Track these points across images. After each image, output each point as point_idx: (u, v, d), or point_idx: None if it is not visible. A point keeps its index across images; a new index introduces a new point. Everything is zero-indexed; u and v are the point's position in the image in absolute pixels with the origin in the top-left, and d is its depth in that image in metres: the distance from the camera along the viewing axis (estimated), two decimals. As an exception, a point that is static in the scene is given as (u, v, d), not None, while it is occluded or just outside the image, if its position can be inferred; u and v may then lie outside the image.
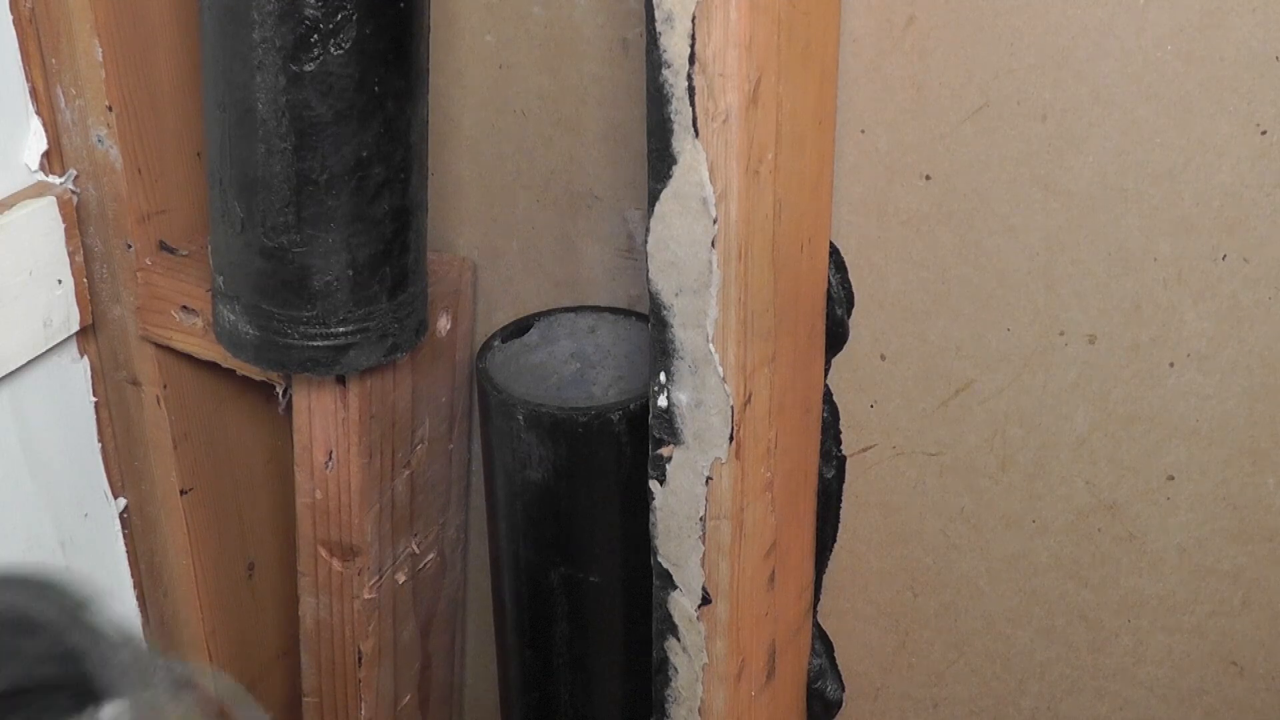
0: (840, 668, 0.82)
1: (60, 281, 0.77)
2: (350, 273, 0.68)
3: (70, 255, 0.77)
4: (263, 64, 0.63)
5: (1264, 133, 0.61)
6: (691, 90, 0.58)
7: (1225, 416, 0.67)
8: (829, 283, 0.72)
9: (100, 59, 0.73)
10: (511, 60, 0.77)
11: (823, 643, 0.82)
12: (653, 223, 0.62)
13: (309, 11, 0.62)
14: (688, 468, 0.66)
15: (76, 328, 0.79)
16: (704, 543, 0.67)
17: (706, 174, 0.60)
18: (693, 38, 0.57)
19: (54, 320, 0.77)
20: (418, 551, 0.85)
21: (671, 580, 0.69)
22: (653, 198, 0.62)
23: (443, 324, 0.81)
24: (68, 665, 0.47)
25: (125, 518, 0.86)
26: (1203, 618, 0.71)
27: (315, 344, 0.70)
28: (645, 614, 0.73)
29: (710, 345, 0.63)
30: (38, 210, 0.75)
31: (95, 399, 0.83)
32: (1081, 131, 0.64)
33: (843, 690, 0.83)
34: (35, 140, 0.76)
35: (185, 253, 0.79)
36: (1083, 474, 0.71)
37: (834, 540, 0.79)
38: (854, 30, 0.67)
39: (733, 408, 0.64)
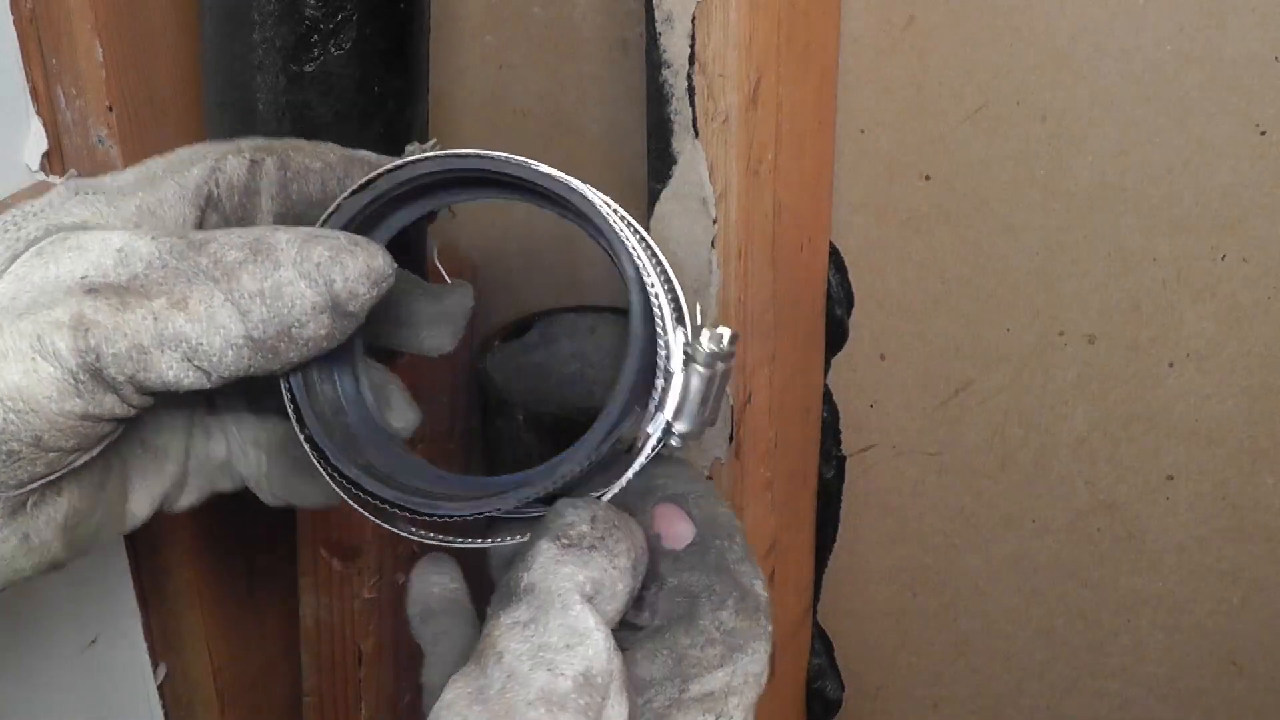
0: (840, 667, 0.82)
1: (60, 281, 0.77)
2: (350, 273, 0.68)
3: (70, 255, 0.77)
4: (263, 64, 0.63)
5: (1264, 133, 0.61)
6: (691, 90, 0.59)
7: (1225, 416, 0.67)
8: (829, 283, 0.72)
9: (100, 59, 0.73)
10: (511, 60, 0.77)
11: (823, 642, 0.82)
12: (653, 223, 0.62)
13: (309, 12, 0.62)
14: (688, 468, 0.66)
15: (77, 328, 0.79)
16: (704, 543, 0.67)
17: (706, 174, 0.60)
18: (693, 38, 0.58)
19: (54, 320, 0.77)
20: (418, 551, 0.85)
21: (671, 580, 0.69)
22: (653, 198, 0.62)
23: (443, 324, 0.80)
24: None
25: (125, 517, 0.86)
26: (1202, 617, 0.71)
27: (315, 344, 0.70)
28: (645, 614, 0.73)
29: (710, 345, 0.63)
30: (38, 210, 0.75)
31: (95, 399, 0.83)
32: (1081, 131, 0.64)
33: (842, 690, 0.83)
34: (36, 140, 0.76)
35: (185, 253, 0.79)
36: (1083, 474, 0.71)
37: (834, 540, 0.79)
38: (854, 30, 0.67)
39: (732, 407, 0.64)
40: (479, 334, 0.85)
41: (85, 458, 0.43)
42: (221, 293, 0.41)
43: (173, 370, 0.41)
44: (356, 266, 0.42)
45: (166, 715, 0.90)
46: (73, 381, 0.40)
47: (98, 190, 0.45)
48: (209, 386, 0.42)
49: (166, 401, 0.47)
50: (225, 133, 0.67)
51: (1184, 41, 0.61)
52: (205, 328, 0.41)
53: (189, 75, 0.77)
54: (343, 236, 0.43)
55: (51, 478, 0.43)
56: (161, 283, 0.41)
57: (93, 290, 0.41)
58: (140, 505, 0.49)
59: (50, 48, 0.74)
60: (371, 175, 0.46)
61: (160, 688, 0.90)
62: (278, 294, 0.41)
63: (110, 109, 0.74)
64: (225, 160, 0.46)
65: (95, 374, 0.41)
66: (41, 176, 0.77)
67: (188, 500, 0.52)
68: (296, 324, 0.41)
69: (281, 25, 0.62)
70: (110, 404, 0.42)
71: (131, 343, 0.40)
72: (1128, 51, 0.62)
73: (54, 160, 0.77)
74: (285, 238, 0.42)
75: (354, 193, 0.46)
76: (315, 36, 0.63)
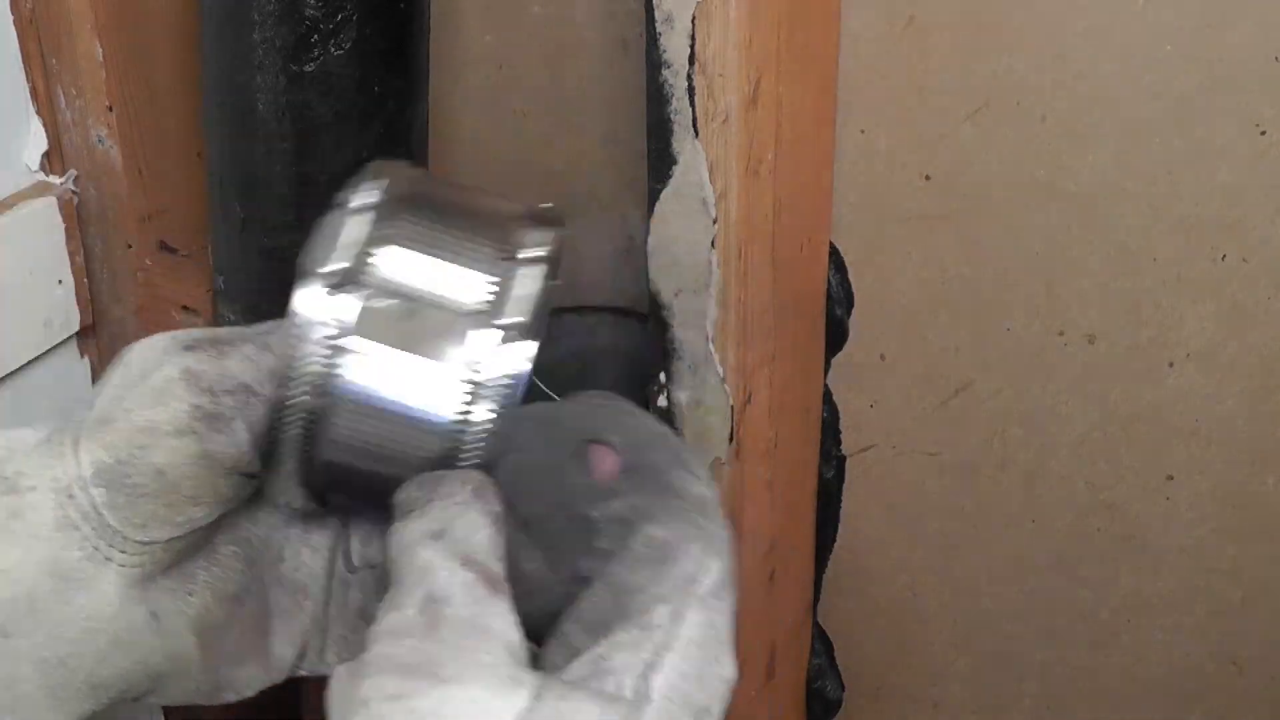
0: (840, 667, 0.82)
1: (60, 282, 0.77)
2: (350, 273, 0.68)
3: (70, 255, 0.77)
4: (263, 64, 0.63)
5: (1264, 133, 0.61)
6: (691, 90, 0.59)
7: (1225, 416, 0.67)
8: (829, 283, 0.72)
9: (100, 59, 0.73)
10: (511, 60, 0.77)
11: (823, 643, 0.82)
12: (653, 223, 0.62)
13: (309, 12, 0.62)
14: (688, 468, 0.66)
15: (77, 328, 0.79)
16: (704, 543, 0.67)
17: (706, 174, 0.60)
18: (693, 38, 0.58)
19: (54, 321, 0.77)
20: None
21: (671, 580, 0.69)
22: (653, 198, 0.62)
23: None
24: None
25: (125, 518, 0.86)
26: (1203, 617, 0.71)
27: (315, 344, 0.70)
28: (645, 614, 0.73)
29: (710, 345, 0.63)
30: (38, 210, 0.75)
31: (95, 399, 0.83)
32: (1081, 131, 0.64)
33: (843, 690, 0.83)
34: (36, 140, 0.76)
35: (185, 253, 0.79)
36: (1083, 474, 0.71)
37: (834, 540, 0.79)
38: (854, 30, 0.67)
39: (732, 408, 0.64)
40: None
41: (204, 516, 0.46)
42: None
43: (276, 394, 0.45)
44: None
45: (167, 715, 0.90)
46: (188, 420, 0.44)
47: None
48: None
49: (305, 541, 0.52)
50: (225, 133, 0.67)
51: (1184, 41, 0.61)
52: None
53: (189, 75, 0.77)
54: None
55: (177, 533, 0.46)
56: (248, 334, 0.46)
57: (190, 347, 0.46)
58: (284, 646, 0.52)
59: (50, 48, 0.74)
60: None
61: (160, 688, 0.90)
62: None
63: (110, 109, 0.74)
64: None
65: (209, 416, 0.45)
66: (41, 176, 0.77)
67: (334, 652, 0.54)
68: None
69: (281, 25, 0.62)
70: (222, 443, 0.45)
71: (237, 381, 0.45)
72: (1128, 51, 0.62)
73: (54, 160, 0.77)
74: None
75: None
76: (315, 36, 0.63)
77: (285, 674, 0.52)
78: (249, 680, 0.51)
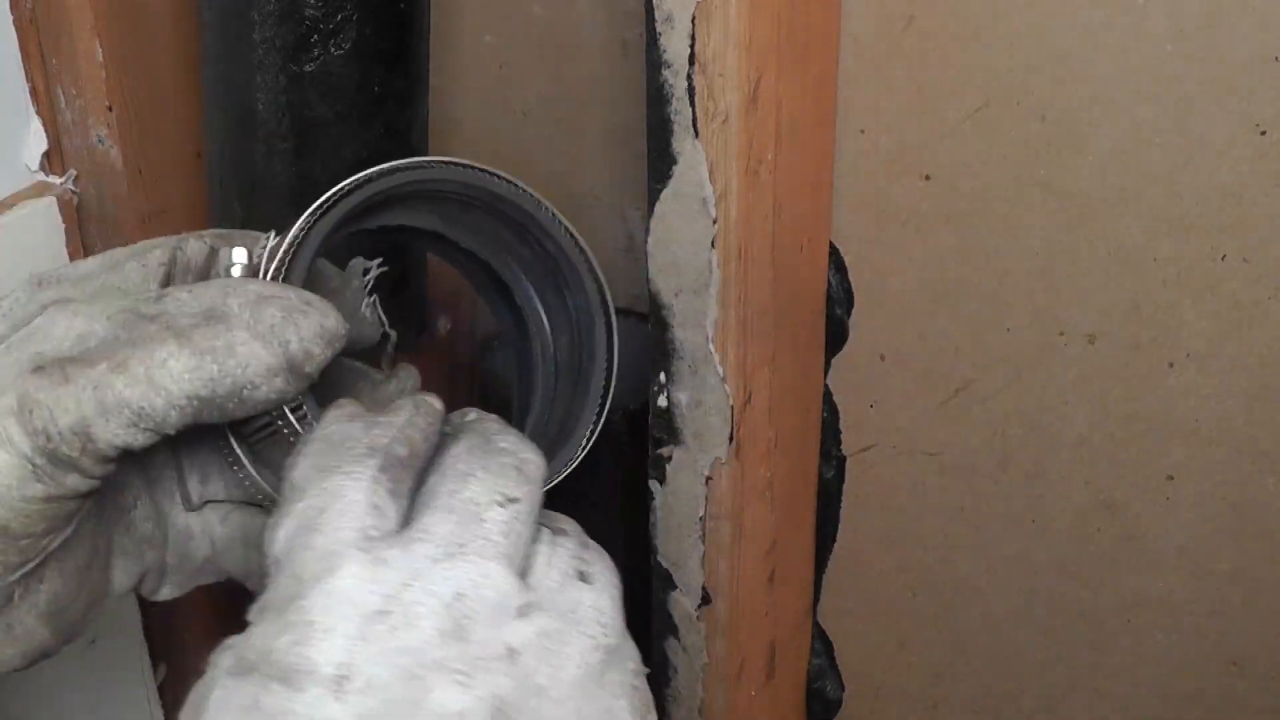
0: (840, 668, 0.82)
1: (60, 281, 0.77)
2: (350, 273, 0.68)
3: (71, 256, 0.77)
4: (263, 64, 0.63)
5: (1264, 133, 0.61)
6: (691, 90, 0.59)
7: (1225, 416, 0.67)
8: (829, 283, 0.72)
9: (100, 59, 0.73)
10: (511, 60, 0.77)
11: (823, 643, 0.82)
12: (653, 223, 0.62)
13: (309, 12, 0.62)
14: (687, 468, 0.66)
15: (77, 328, 0.79)
16: (704, 542, 0.67)
17: (706, 174, 0.60)
18: (693, 38, 0.58)
19: (54, 320, 0.77)
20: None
21: (671, 580, 0.69)
22: (653, 198, 0.62)
23: (442, 324, 0.81)
24: None
25: (125, 518, 0.86)
26: (1203, 618, 0.71)
27: (315, 344, 0.70)
28: (645, 614, 0.73)
29: (710, 345, 0.63)
30: (38, 210, 0.75)
31: (95, 399, 0.83)
32: (1081, 131, 0.64)
33: (843, 690, 0.83)
34: (36, 140, 0.76)
35: (185, 253, 0.79)
36: (1083, 474, 0.71)
37: (834, 540, 0.79)
38: (854, 30, 0.67)
39: (733, 407, 0.64)
40: (479, 334, 0.85)
41: (60, 539, 0.43)
42: (170, 350, 0.41)
43: (120, 436, 0.41)
44: (310, 326, 0.42)
45: (166, 715, 0.90)
46: (31, 467, 0.41)
47: (61, 279, 0.46)
48: (166, 434, 0.42)
49: (154, 492, 0.49)
50: (225, 133, 0.67)
51: (1184, 41, 0.61)
52: (145, 391, 0.41)
53: (189, 75, 0.77)
54: (294, 295, 0.43)
55: (29, 566, 0.43)
56: (107, 350, 0.41)
57: (39, 369, 0.41)
58: (121, 581, 0.49)
59: (50, 48, 0.74)
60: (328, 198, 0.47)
61: (160, 688, 0.90)
62: (230, 352, 0.41)
63: (110, 109, 0.74)
64: (186, 242, 0.47)
65: (51, 455, 0.41)
66: (41, 176, 0.77)
67: (169, 592, 0.52)
68: (250, 385, 0.41)
69: (281, 25, 0.63)
70: (73, 482, 0.42)
71: (75, 417, 0.41)
72: (1128, 51, 0.62)
73: (54, 160, 0.77)
74: (237, 302, 0.42)
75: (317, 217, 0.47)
76: (315, 36, 0.63)
77: (117, 600, 0.50)
78: (89, 624, 0.49)
